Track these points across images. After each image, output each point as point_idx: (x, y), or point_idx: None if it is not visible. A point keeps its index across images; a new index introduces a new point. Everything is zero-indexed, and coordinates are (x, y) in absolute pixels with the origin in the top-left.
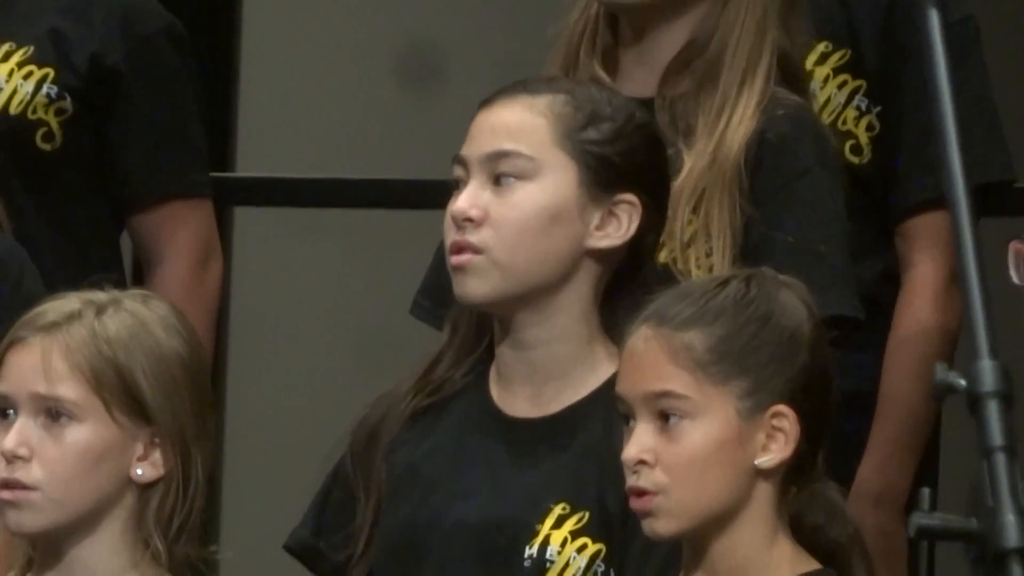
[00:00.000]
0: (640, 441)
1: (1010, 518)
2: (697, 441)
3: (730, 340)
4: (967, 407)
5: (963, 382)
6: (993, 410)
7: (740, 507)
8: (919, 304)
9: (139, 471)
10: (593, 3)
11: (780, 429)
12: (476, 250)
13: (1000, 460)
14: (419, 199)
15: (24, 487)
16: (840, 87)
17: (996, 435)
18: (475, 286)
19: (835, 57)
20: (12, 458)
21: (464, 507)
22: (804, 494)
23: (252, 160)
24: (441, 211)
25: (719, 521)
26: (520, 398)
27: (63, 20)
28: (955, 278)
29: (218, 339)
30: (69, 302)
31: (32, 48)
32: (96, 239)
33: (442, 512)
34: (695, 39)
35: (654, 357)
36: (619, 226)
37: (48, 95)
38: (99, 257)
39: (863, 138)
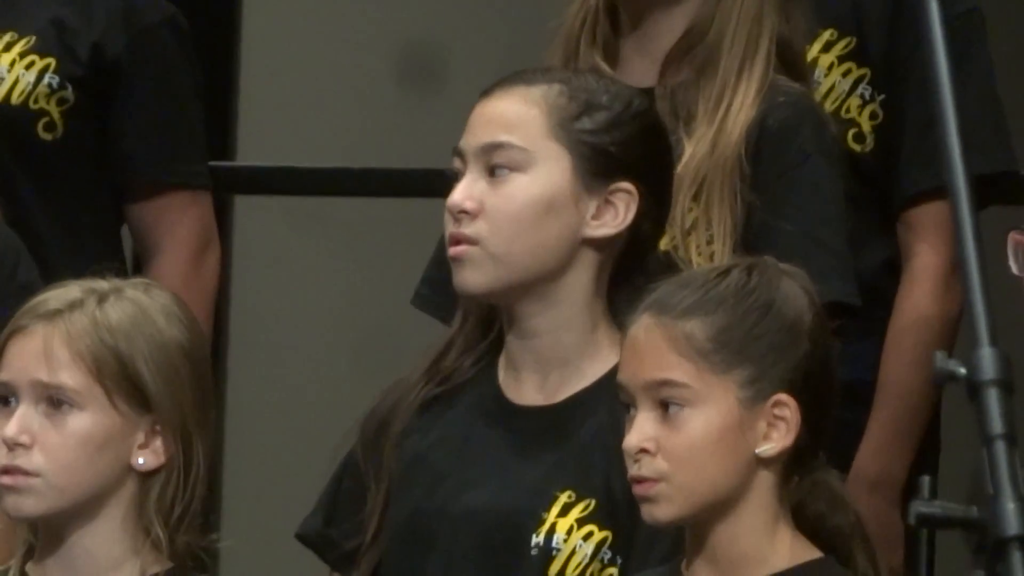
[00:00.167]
0: (641, 429)
1: (1010, 506)
2: (698, 430)
3: (731, 329)
4: (967, 395)
5: (963, 370)
6: (993, 398)
7: (741, 495)
8: (920, 293)
9: (140, 459)
10: None
11: (781, 418)
12: (472, 242)
13: (1000, 448)
14: (420, 188)
15: (25, 473)
16: (844, 75)
17: (996, 423)
18: (471, 277)
19: (840, 45)
20: (13, 445)
21: (471, 496)
22: (806, 483)
23: (253, 149)
24: (442, 200)
25: (720, 509)
26: (528, 386)
27: (65, 10)
28: (956, 267)
29: (218, 328)
30: (71, 290)
31: (34, 38)
32: (97, 229)
33: (449, 501)
34: (694, 27)
35: (655, 346)
36: (616, 215)
37: (50, 85)
38: (99, 247)
39: (866, 126)
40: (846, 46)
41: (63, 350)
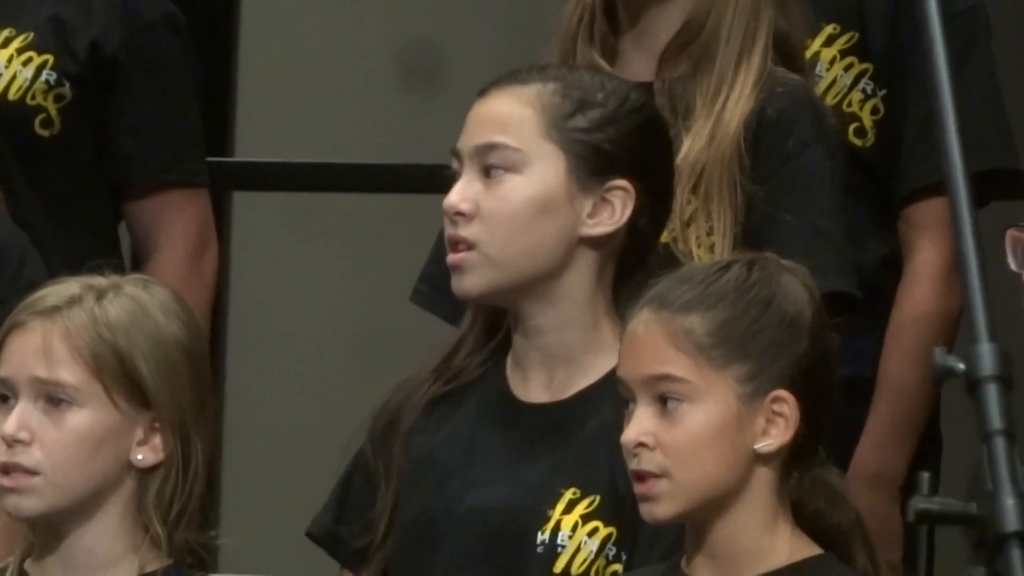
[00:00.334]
0: (640, 424)
1: (1009, 502)
2: (696, 425)
3: (731, 324)
4: (966, 391)
5: (962, 366)
6: (992, 394)
7: (740, 492)
8: (921, 289)
9: (139, 456)
10: None
11: (780, 414)
12: (469, 245)
13: (999, 444)
14: (419, 184)
15: (24, 471)
16: (846, 69)
17: (995, 419)
18: (470, 282)
19: (842, 39)
20: (12, 442)
21: (477, 494)
22: (805, 479)
23: (251, 145)
24: (441, 196)
25: (719, 505)
26: (534, 384)
27: (63, 7)
28: (957, 264)
29: (217, 324)
30: (69, 286)
31: (32, 34)
32: (94, 226)
33: (456, 500)
34: (690, 21)
35: (654, 340)
36: (612, 213)
37: (47, 81)
38: (96, 243)
39: (868, 121)
40: (848, 40)
41: (62, 346)
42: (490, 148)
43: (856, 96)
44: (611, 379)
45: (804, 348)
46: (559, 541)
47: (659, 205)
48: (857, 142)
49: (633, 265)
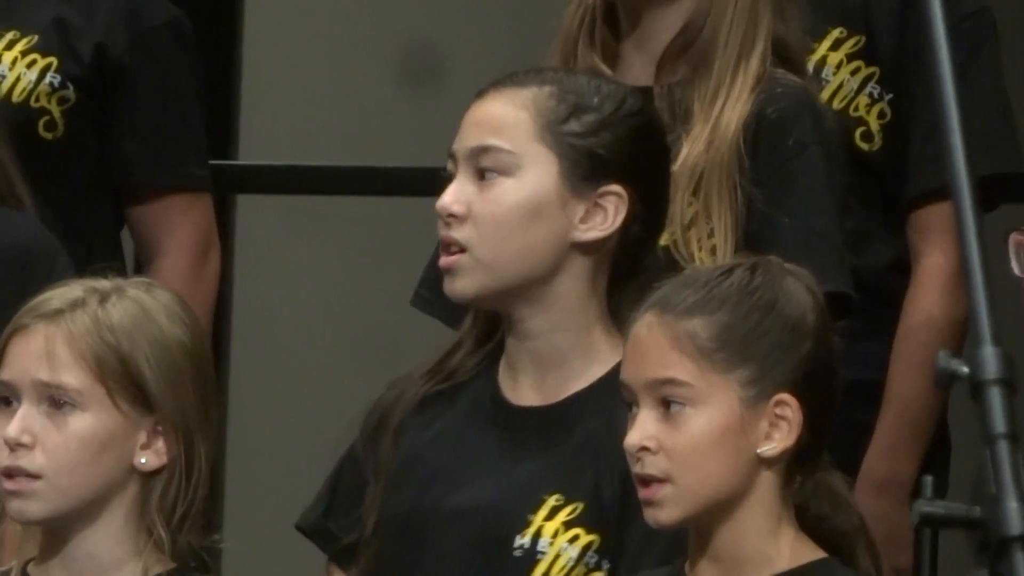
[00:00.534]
0: (643, 428)
1: (1013, 505)
2: (699, 428)
3: (734, 328)
4: (970, 394)
5: (966, 369)
6: (996, 397)
7: (743, 496)
8: (928, 294)
9: (142, 459)
10: None
11: (783, 418)
12: (461, 248)
13: (1003, 447)
14: (422, 187)
15: (27, 475)
16: (853, 73)
17: (999, 422)
18: (462, 285)
19: (849, 43)
20: (15, 446)
21: (462, 495)
22: (809, 483)
23: (254, 148)
24: None
25: (722, 509)
26: (526, 387)
27: (68, 10)
28: None
29: (220, 327)
30: (72, 289)
31: (36, 37)
32: (96, 229)
33: (442, 499)
34: (689, 25)
35: (657, 344)
36: (605, 218)
37: (51, 84)
38: (99, 246)
39: (874, 125)
40: (855, 44)
41: (65, 350)
42: (483, 150)
43: (863, 100)
44: (602, 385)
45: (807, 352)
46: (539, 548)
47: (652, 212)
48: (864, 146)
49: (627, 271)
